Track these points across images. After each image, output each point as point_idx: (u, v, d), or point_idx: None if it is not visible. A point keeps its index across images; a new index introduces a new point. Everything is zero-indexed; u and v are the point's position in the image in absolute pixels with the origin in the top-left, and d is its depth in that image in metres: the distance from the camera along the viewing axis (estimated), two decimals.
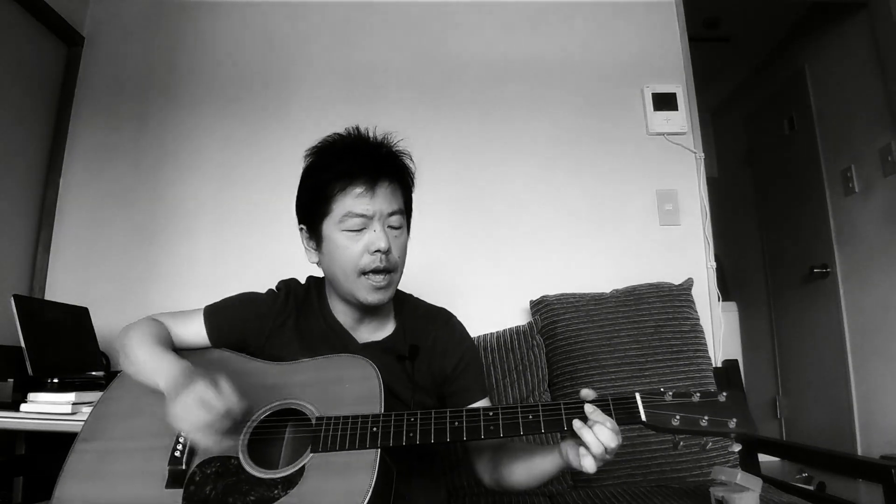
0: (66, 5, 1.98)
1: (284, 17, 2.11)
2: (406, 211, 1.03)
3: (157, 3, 2.13)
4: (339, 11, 2.11)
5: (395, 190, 0.99)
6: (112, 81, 2.06)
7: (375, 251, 0.94)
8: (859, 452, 2.33)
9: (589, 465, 0.79)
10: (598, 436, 0.78)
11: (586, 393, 0.83)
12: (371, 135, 1.01)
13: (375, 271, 0.95)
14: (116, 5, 2.12)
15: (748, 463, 1.54)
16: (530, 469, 0.93)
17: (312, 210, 0.98)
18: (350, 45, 2.08)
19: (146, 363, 0.92)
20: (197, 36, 2.10)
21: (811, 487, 2.08)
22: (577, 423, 0.81)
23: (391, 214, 0.97)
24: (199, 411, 0.79)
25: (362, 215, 0.94)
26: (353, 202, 0.94)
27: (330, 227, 0.96)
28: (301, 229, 1.03)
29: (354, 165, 0.95)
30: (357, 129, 1.01)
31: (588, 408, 0.81)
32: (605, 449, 0.78)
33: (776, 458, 2.22)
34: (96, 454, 0.91)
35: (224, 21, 2.11)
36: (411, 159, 1.03)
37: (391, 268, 0.97)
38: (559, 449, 0.87)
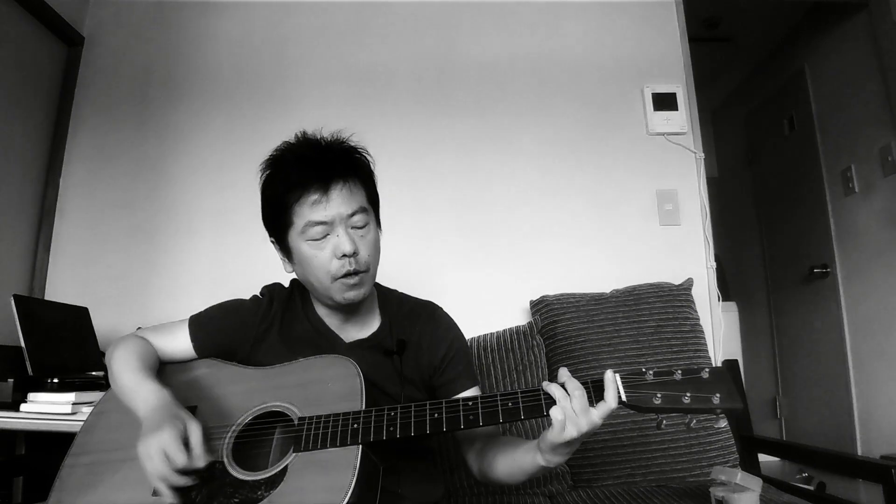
0: (66, 5, 1.98)
1: (284, 18, 2.10)
2: (371, 207, 1.01)
3: (157, 3, 2.13)
4: (338, 12, 2.11)
5: (353, 189, 0.96)
6: (112, 81, 2.06)
7: (342, 256, 0.94)
8: (859, 452, 2.33)
9: (556, 413, 0.78)
10: (567, 385, 0.79)
11: (563, 372, 0.83)
12: (319, 137, 0.99)
13: (346, 275, 0.95)
14: (116, 5, 2.12)
15: (748, 463, 1.54)
16: (512, 461, 0.92)
17: (275, 223, 0.98)
18: (350, 45, 2.08)
19: (126, 388, 0.93)
20: (197, 36, 2.10)
21: (811, 487, 2.08)
22: (544, 384, 0.82)
23: (352, 215, 0.95)
24: (158, 462, 0.79)
25: (322, 222, 0.93)
26: (310, 211, 0.93)
27: (294, 238, 0.96)
28: (273, 242, 1.03)
29: (305, 173, 0.94)
30: (304, 133, 1.00)
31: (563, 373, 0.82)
32: (573, 406, 0.78)
33: (776, 458, 2.23)
34: (86, 467, 0.92)
35: (224, 21, 2.11)
36: (367, 153, 1.02)
37: (361, 268, 0.96)
38: (538, 439, 0.86)
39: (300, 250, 0.96)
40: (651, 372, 0.80)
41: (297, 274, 1.03)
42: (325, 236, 0.94)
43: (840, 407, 2.50)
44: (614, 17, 2.10)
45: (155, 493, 0.85)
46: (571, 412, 0.78)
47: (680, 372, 0.80)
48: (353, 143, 1.01)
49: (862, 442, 2.36)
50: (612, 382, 0.79)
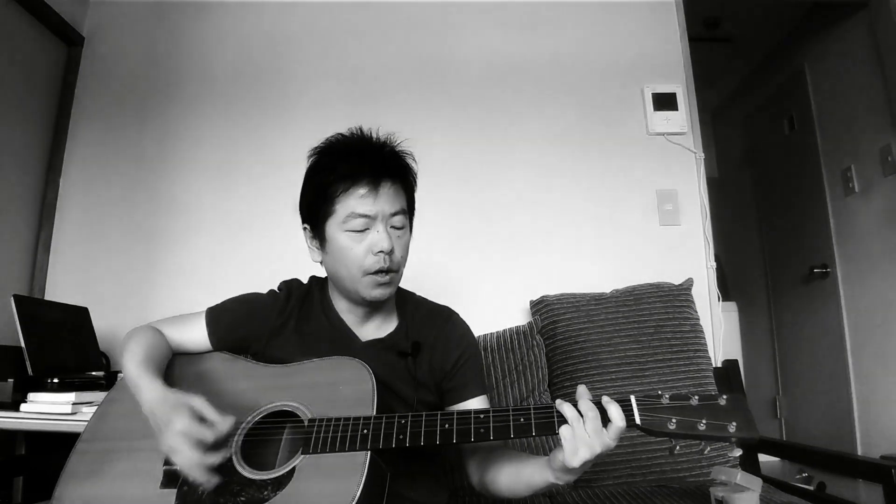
0: (66, 5, 1.98)
1: (284, 17, 2.11)
2: (409, 211, 1.04)
3: (157, 3, 2.13)
4: (338, 11, 2.11)
5: (398, 190, 1.00)
6: (112, 81, 2.06)
7: (378, 252, 0.95)
8: (859, 452, 2.33)
9: (565, 432, 0.77)
10: (580, 406, 0.78)
11: (581, 391, 0.82)
12: (374, 135, 1.01)
13: (379, 272, 0.96)
14: (116, 5, 2.12)
15: (748, 463, 1.54)
16: (518, 475, 0.91)
17: (316, 210, 0.99)
18: (350, 45, 2.08)
19: (130, 380, 0.93)
20: (197, 36, 2.10)
21: (811, 487, 2.08)
22: (557, 402, 0.80)
23: (394, 215, 0.98)
24: (188, 450, 0.79)
25: (365, 216, 0.95)
26: (357, 203, 0.95)
27: (333, 227, 0.97)
28: (304, 228, 1.04)
29: (358, 166, 0.95)
30: (360, 129, 1.02)
31: (580, 389, 0.81)
32: (586, 428, 0.76)
33: (776, 458, 2.23)
34: (96, 454, 0.92)
35: (224, 21, 2.11)
36: (413, 159, 1.04)
37: (394, 268, 0.98)
38: (549, 457, 0.84)
39: (337, 240, 0.97)
40: (667, 395, 0.79)
41: (325, 264, 1.03)
42: (364, 230, 0.96)
43: (840, 407, 2.50)
44: (614, 17, 2.10)
45: (164, 485, 0.85)
46: (584, 434, 0.76)
47: (697, 397, 0.78)
48: (402, 148, 1.03)
49: (862, 442, 2.37)
50: (612, 402, 0.78)
